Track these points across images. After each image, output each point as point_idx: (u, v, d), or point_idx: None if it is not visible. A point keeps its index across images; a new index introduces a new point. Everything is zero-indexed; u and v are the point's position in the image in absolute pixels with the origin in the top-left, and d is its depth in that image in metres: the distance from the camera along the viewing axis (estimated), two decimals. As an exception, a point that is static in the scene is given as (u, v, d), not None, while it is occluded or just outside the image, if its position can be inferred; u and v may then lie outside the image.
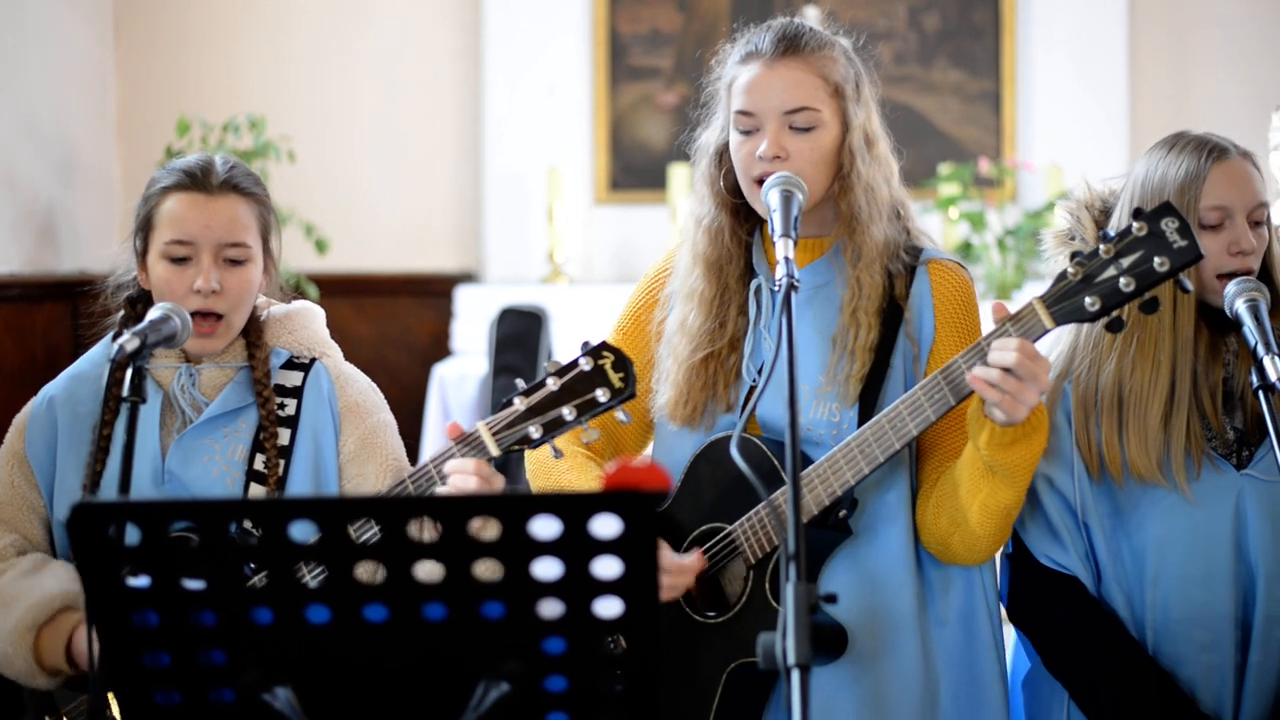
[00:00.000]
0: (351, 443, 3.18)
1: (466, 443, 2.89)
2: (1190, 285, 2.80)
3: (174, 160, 3.20)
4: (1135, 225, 2.73)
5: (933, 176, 7.73)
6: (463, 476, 2.87)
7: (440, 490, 2.91)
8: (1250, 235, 3.05)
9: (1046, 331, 2.78)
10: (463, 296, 7.93)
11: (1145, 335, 3.06)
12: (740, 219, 3.12)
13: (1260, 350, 2.86)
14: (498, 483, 2.89)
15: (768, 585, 2.98)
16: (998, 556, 3.11)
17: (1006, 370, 2.75)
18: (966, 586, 3.06)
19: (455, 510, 1.96)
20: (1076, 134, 7.97)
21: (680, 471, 3.08)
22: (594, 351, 2.84)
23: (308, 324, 3.26)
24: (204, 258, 3.09)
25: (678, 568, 2.95)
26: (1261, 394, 2.84)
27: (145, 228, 3.15)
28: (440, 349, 7.98)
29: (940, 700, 3.04)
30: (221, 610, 2.01)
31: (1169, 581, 3.07)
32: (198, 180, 3.11)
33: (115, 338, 3.14)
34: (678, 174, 7.67)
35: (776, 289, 2.73)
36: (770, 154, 2.97)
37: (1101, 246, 2.75)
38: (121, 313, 3.22)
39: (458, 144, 8.20)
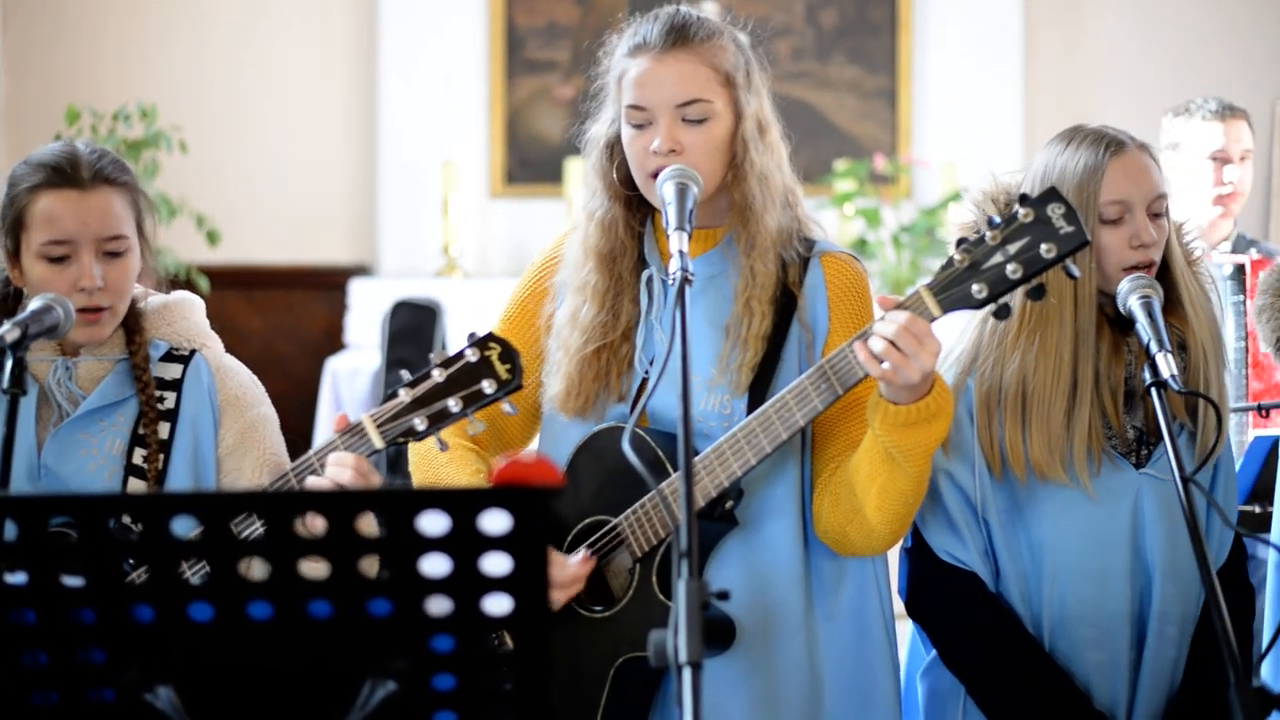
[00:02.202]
0: (230, 436, 3.12)
1: (351, 435, 2.85)
2: (1078, 272, 2.79)
3: (34, 153, 3.11)
4: (1021, 211, 2.71)
5: (828, 173, 7.76)
6: (339, 469, 2.84)
7: (313, 481, 2.87)
8: (1150, 227, 3.06)
9: (934, 319, 2.76)
10: (356, 289, 7.89)
11: (1047, 332, 3.06)
12: (633, 210, 3.10)
13: (1153, 347, 2.87)
14: (374, 479, 2.86)
15: (655, 579, 2.96)
16: (892, 551, 3.11)
17: (889, 342, 2.74)
18: (859, 581, 3.06)
19: (342, 506, 1.93)
20: (972, 131, 8.03)
21: (563, 464, 3.06)
22: (480, 342, 2.81)
23: (187, 315, 3.20)
24: (84, 255, 3.02)
25: (570, 576, 2.93)
26: (1154, 390, 2.85)
27: (16, 228, 3.05)
28: (333, 342, 7.94)
29: (825, 696, 3.03)
30: (101, 608, 1.97)
31: (1065, 578, 3.08)
32: (68, 176, 3.03)
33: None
34: (574, 168, 7.67)
35: (671, 282, 2.72)
36: (665, 148, 2.96)
37: (988, 233, 2.72)
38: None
39: (352, 135, 8.16)
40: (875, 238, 7.72)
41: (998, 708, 3.11)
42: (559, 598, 2.92)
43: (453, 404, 2.81)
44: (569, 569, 2.94)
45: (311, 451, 2.90)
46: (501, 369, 2.80)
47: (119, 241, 3.04)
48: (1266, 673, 3.32)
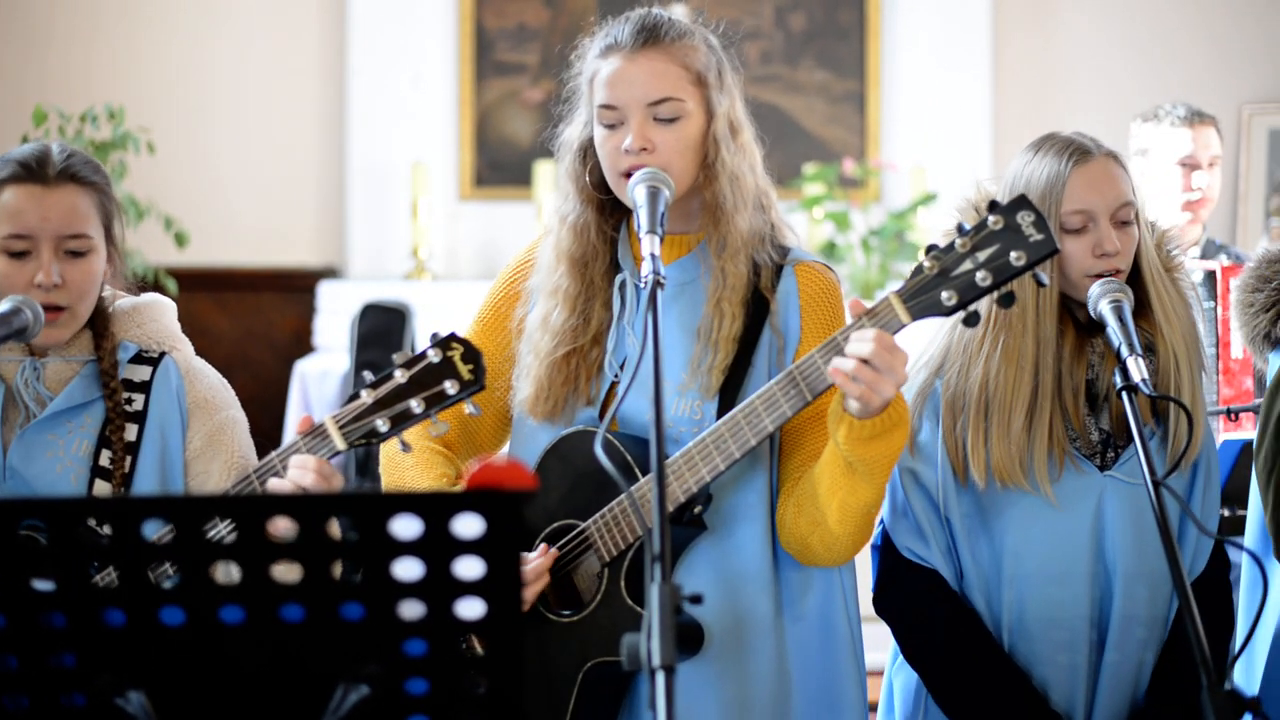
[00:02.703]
0: (198, 439, 3.12)
1: (313, 436, 2.85)
2: (1047, 279, 2.80)
3: (9, 150, 3.12)
4: (991, 219, 2.72)
5: (798, 176, 7.77)
6: (300, 471, 2.83)
7: (275, 484, 2.86)
8: (1114, 236, 3.07)
9: (903, 326, 2.77)
10: (325, 292, 7.88)
11: (1010, 337, 3.08)
12: (606, 214, 3.11)
13: (1124, 351, 2.89)
14: (336, 481, 2.85)
15: (623, 583, 2.96)
16: (860, 554, 3.11)
17: (864, 361, 2.74)
18: (825, 585, 3.06)
19: (314, 509, 1.93)
20: (941, 135, 8.04)
21: (531, 467, 3.06)
22: (443, 343, 2.80)
23: (157, 317, 3.19)
24: (43, 251, 3.01)
25: (532, 573, 2.93)
26: (1125, 394, 2.87)
27: None
28: (302, 345, 7.92)
29: (793, 699, 3.03)
30: (72, 612, 1.96)
31: (1025, 581, 3.10)
32: (33, 171, 3.03)
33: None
34: (543, 171, 7.66)
35: (643, 286, 2.72)
36: (636, 146, 2.96)
37: (958, 240, 2.73)
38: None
39: (321, 137, 8.15)
40: (844, 241, 7.73)
41: (955, 705, 3.12)
42: (525, 595, 2.92)
43: (415, 405, 2.80)
44: (530, 564, 2.94)
45: (274, 453, 2.90)
46: (464, 369, 2.79)
47: (80, 240, 3.03)
48: (1239, 676, 3.33)
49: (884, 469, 2.88)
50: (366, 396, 2.81)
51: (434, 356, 2.80)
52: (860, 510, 2.91)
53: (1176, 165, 5.35)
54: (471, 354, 2.80)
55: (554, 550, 2.97)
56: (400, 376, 2.80)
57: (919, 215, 7.67)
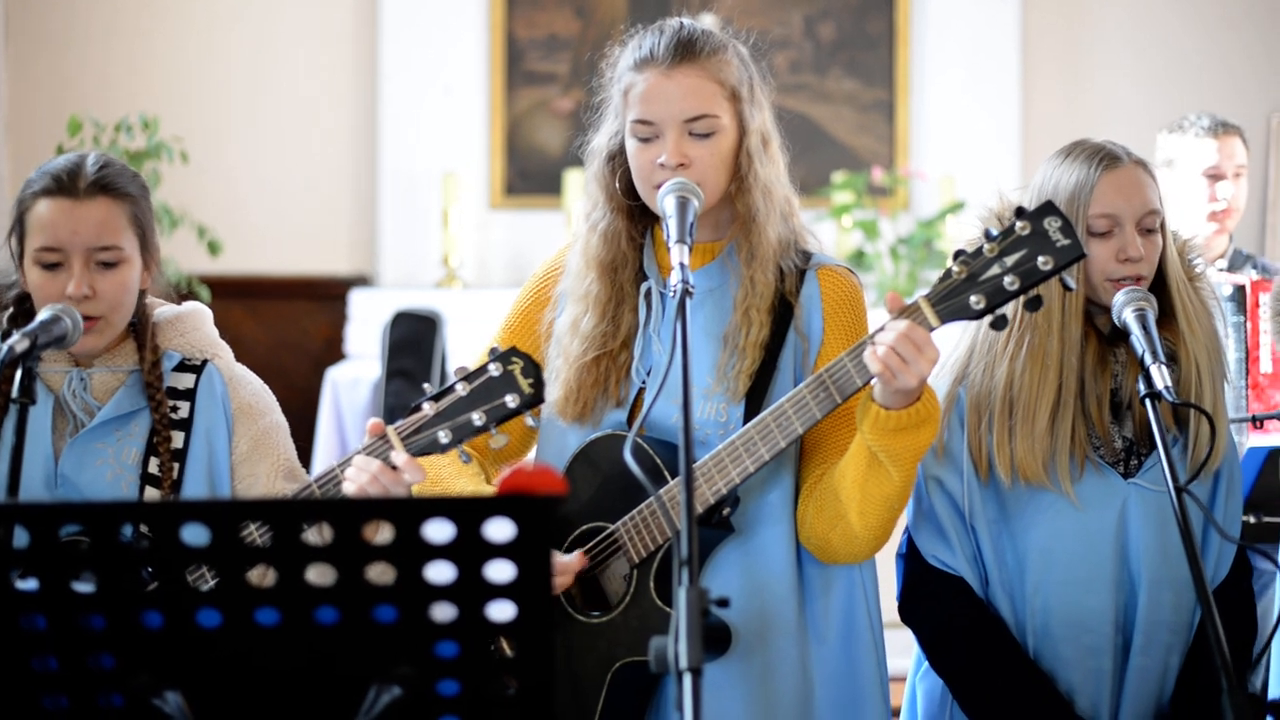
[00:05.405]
0: (244, 444, 3.16)
1: (375, 445, 2.88)
2: (1074, 283, 2.83)
3: (46, 163, 3.15)
4: (1019, 224, 2.75)
5: (827, 185, 7.77)
6: (359, 472, 2.86)
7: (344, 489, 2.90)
8: (1139, 243, 3.09)
9: (933, 329, 2.80)
10: (356, 300, 7.90)
11: (1035, 339, 3.10)
12: (634, 221, 3.13)
13: (1147, 359, 2.91)
14: (398, 490, 2.87)
15: (652, 584, 2.99)
16: (883, 559, 3.13)
17: (891, 348, 2.77)
18: (847, 586, 3.08)
19: (348, 513, 1.96)
20: (969, 144, 8.04)
21: (560, 469, 3.09)
22: (503, 357, 2.84)
23: (198, 325, 3.23)
24: (75, 263, 3.05)
25: (560, 567, 2.96)
26: (1148, 401, 2.88)
27: (19, 232, 3.11)
28: (334, 352, 7.94)
29: (816, 700, 3.05)
30: (111, 614, 1.99)
31: (1051, 586, 3.11)
32: (64, 185, 3.06)
33: (4, 337, 3.10)
34: (573, 179, 7.68)
35: (671, 295, 2.75)
36: (674, 162, 2.98)
37: (985, 245, 2.76)
38: (10, 310, 3.18)
39: (352, 147, 8.17)
40: (873, 250, 7.74)
41: (980, 712, 3.14)
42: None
43: (476, 417, 2.83)
44: (559, 560, 2.96)
45: (336, 463, 2.93)
46: (524, 383, 2.83)
47: (111, 252, 3.06)
48: (1274, 686, 3.35)
49: (908, 462, 2.90)
50: (429, 409, 2.85)
51: (495, 370, 2.83)
52: (882, 504, 2.93)
53: (1201, 176, 5.34)
54: (532, 368, 2.84)
55: (585, 555, 3.00)
56: (462, 390, 2.84)
57: (947, 224, 7.67)
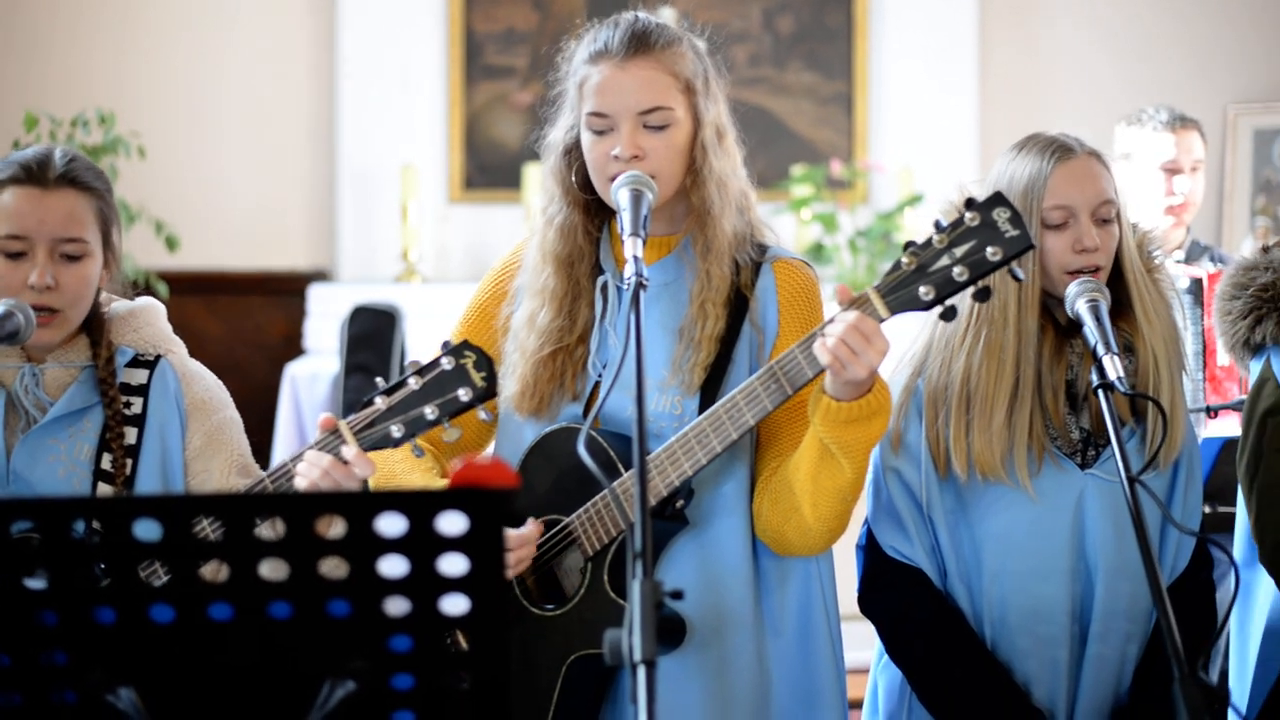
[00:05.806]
0: (198, 439, 3.15)
1: (327, 440, 2.87)
2: (1023, 275, 2.83)
3: (13, 153, 3.15)
4: (968, 215, 2.76)
5: (785, 178, 7.78)
6: (309, 467, 2.85)
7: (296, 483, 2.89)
8: (1094, 233, 3.10)
9: (882, 321, 2.80)
10: (315, 295, 7.88)
11: (991, 332, 3.11)
12: (590, 215, 3.13)
13: (1100, 350, 2.92)
14: (349, 485, 2.86)
15: (606, 577, 2.99)
16: (841, 551, 3.14)
17: (840, 340, 2.78)
18: (804, 580, 3.09)
19: (300, 508, 1.95)
20: (927, 137, 8.06)
21: (516, 463, 3.09)
22: (456, 351, 2.84)
23: (152, 321, 3.23)
24: (39, 253, 3.04)
25: (516, 540, 2.95)
26: (1101, 392, 2.89)
27: None
28: (292, 348, 7.92)
29: (773, 693, 3.06)
30: (63, 610, 1.99)
31: (1008, 576, 3.12)
32: (33, 174, 3.07)
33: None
34: (533, 173, 7.67)
35: (625, 287, 2.75)
36: (628, 154, 2.98)
37: (935, 236, 2.77)
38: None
39: (311, 141, 8.15)
40: (832, 242, 7.74)
41: (938, 703, 3.15)
42: (511, 560, 2.93)
43: (429, 411, 2.83)
44: (514, 533, 2.95)
45: (289, 458, 2.93)
46: (477, 377, 2.83)
47: (76, 245, 3.06)
48: (1234, 688, 3.36)
49: (860, 453, 2.90)
50: (381, 403, 2.84)
51: (447, 364, 2.83)
52: (835, 496, 2.94)
53: (1159, 170, 5.37)
54: (484, 362, 2.83)
55: (539, 523, 2.99)
56: (414, 383, 2.83)
57: (906, 216, 7.68)
